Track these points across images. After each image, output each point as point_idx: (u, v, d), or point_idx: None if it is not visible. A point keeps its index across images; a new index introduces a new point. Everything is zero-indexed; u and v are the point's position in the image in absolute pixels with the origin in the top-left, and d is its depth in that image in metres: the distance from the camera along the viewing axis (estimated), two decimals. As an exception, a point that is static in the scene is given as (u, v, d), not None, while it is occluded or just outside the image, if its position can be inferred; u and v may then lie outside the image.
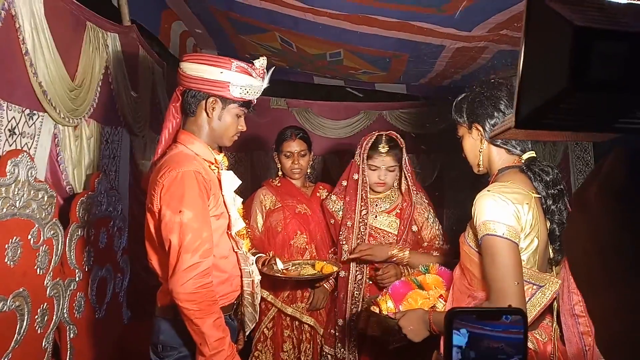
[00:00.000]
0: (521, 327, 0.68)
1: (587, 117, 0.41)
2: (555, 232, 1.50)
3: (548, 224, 1.50)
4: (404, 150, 2.34)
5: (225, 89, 1.68)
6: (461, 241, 1.58)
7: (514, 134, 0.46)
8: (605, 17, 0.37)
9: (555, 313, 1.49)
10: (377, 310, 1.84)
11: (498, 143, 1.55)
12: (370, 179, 2.36)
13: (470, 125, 1.60)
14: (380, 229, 2.39)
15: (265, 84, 1.77)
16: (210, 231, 1.61)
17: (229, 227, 1.77)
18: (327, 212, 2.53)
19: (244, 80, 1.69)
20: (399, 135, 2.37)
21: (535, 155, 1.56)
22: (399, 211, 2.39)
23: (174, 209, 1.55)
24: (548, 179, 1.51)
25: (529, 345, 1.45)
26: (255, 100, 1.79)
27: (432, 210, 2.40)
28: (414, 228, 2.36)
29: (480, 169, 1.62)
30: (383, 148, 2.32)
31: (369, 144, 2.34)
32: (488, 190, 1.44)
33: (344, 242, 2.41)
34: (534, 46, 0.41)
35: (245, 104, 1.76)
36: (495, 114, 1.53)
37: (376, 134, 2.37)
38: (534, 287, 1.41)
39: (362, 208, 2.40)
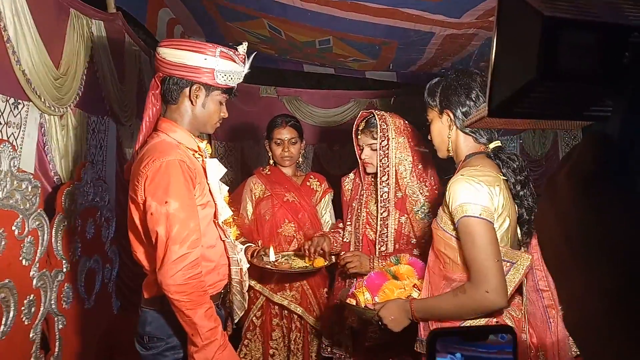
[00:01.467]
0: (511, 347, 0.65)
1: (558, 105, 0.42)
2: (524, 216, 1.59)
3: (517, 208, 1.58)
4: (388, 128, 2.15)
5: (210, 76, 1.65)
6: (434, 226, 1.63)
7: (488, 122, 0.47)
8: (575, 7, 0.38)
9: (524, 290, 1.55)
10: (354, 303, 1.84)
11: (467, 131, 1.61)
12: (360, 160, 2.26)
13: (442, 111, 1.66)
14: (377, 217, 2.24)
15: (246, 69, 1.74)
16: (197, 221, 1.59)
17: (215, 215, 1.75)
18: (341, 190, 2.46)
19: (228, 67, 1.67)
20: (382, 113, 2.19)
21: (501, 145, 1.63)
22: (396, 200, 2.19)
23: (159, 199, 1.53)
24: (515, 166, 1.58)
25: (508, 322, 1.51)
26: (237, 86, 1.77)
27: (427, 204, 2.15)
28: (403, 219, 2.18)
29: (449, 154, 1.68)
30: (360, 126, 2.24)
31: (356, 124, 2.27)
32: (461, 175, 1.50)
33: (349, 223, 2.35)
34: (505, 36, 0.42)
35: (228, 90, 1.74)
36: (468, 102, 1.59)
37: (364, 112, 2.26)
38: (508, 264, 1.47)
39: (362, 190, 2.32)
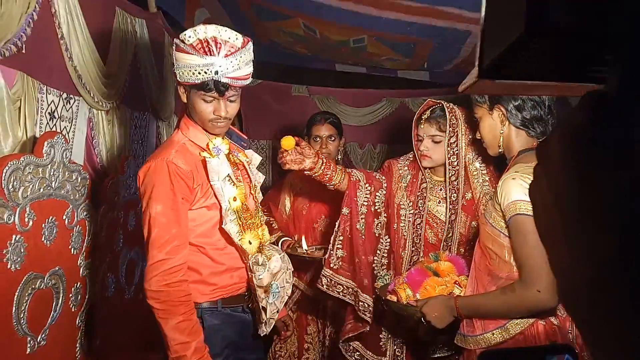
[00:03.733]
0: None
1: (550, 65, 0.38)
2: None
3: None
4: (458, 123, 1.97)
5: (175, 74, 1.56)
6: (481, 221, 1.61)
7: (482, 87, 0.42)
8: None
9: None
10: (394, 299, 1.83)
11: (519, 125, 1.58)
12: (417, 152, 2.07)
13: (492, 107, 1.63)
14: (439, 219, 2.06)
15: (220, 60, 1.46)
16: (182, 227, 1.54)
17: (221, 220, 1.67)
18: (388, 170, 2.18)
19: (186, 61, 1.49)
20: (452, 106, 2.01)
21: None
22: (464, 203, 2.01)
23: (145, 201, 1.53)
24: None
25: (553, 321, 1.50)
26: (236, 82, 1.53)
27: None
28: (474, 224, 1.97)
29: (499, 150, 1.65)
30: (424, 114, 2.03)
31: (419, 113, 2.07)
32: (516, 172, 1.49)
33: (403, 224, 2.09)
34: None
35: (214, 87, 1.52)
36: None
37: (431, 101, 2.07)
38: None
39: (422, 183, 2.10)
